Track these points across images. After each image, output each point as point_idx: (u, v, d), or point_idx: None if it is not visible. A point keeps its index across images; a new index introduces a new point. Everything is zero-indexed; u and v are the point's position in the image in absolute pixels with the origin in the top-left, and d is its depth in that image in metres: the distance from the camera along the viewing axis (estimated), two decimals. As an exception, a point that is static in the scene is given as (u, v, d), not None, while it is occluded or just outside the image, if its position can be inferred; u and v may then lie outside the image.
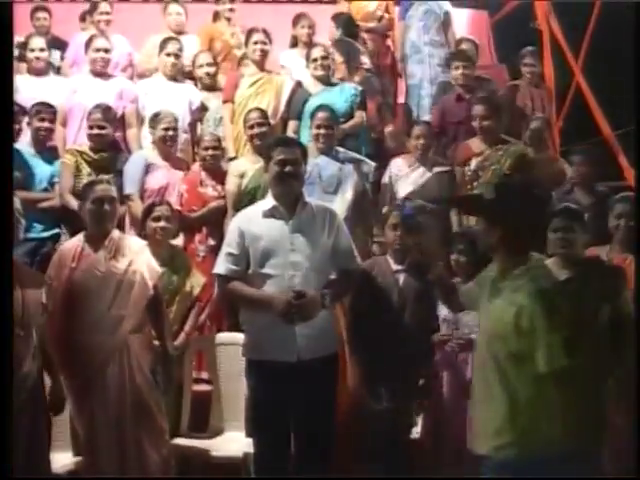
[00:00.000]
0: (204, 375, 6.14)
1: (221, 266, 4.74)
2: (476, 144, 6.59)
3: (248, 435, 5.16)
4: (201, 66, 7.62)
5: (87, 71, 7.36)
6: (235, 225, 4.82)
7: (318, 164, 6.36)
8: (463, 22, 9.71)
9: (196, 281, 5.84)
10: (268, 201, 4.80)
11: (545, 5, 9.51)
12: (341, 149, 6.66)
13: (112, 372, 4.86)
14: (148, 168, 6.61)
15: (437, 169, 6.74)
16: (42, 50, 7.45)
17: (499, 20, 10.47)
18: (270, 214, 4.72)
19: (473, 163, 6.51)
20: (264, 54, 7.47)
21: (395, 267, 5.25)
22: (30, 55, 7.43)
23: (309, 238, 4.68)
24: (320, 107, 6.71)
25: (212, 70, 7.64)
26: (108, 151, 6.67)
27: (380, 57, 8.39)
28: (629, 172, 8.11)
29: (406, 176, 6.75)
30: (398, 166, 6.83)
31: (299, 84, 7.49)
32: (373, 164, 6.67)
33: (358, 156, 6.69)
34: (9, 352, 4.13)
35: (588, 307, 4.31)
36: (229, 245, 4.75)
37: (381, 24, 8.63)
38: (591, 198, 6.25)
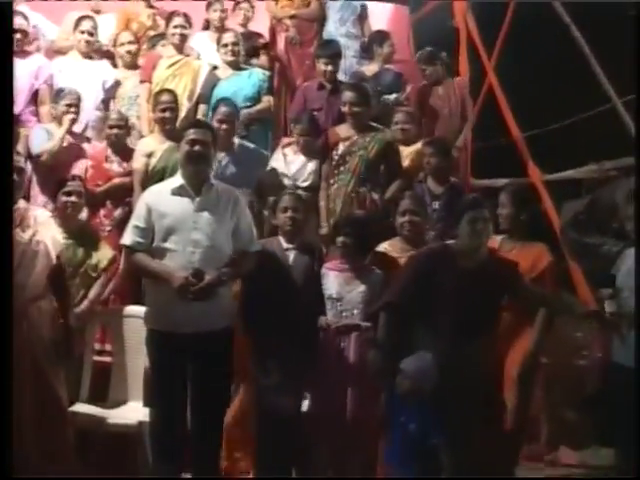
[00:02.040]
0: (107, 347, 6.19)
1: (128, 237, 4.95)
2: (344, 130, 6.64)
3: (146, 404, 5.30)
4: (122, 44, 7.68)
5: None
6: (143, 201, 5.01)
7: (220, 162, 6.54)
8: (383, 16, 9.82)
9: (103, 254, 5.93)
10: (177, 179, 4.99)
11: (463, 4, 9.67)
12: (237, 140, 6.85)
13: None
14: (50, 137, 6.67)
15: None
16: None
17: (419, 17, 10.60)
18: (177, 192, 4.91)
19: (340, 148, 6.57)
20: (183, 38, 7.61)
21: (286, 245, 5.40)
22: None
23: (212, 218, 4.88)
24: (222, 100, 6.90)
25: (133, 48, 7.71)
26: None
27: (304, 45, 8.32)
28: (534, 171, 8.39)
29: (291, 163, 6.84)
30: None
31: (215, 69, 7.61)
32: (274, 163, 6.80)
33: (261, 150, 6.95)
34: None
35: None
36: (137, 219, 4.94)
37: (308, 9, 8.46)
38: (442, 188, 6.36)
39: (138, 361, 5.50)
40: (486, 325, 4.85)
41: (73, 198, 5.81)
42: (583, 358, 6.77)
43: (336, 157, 6.57)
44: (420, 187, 6.39)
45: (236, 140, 6.83)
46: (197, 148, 4.89)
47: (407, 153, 6.83)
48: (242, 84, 7.35)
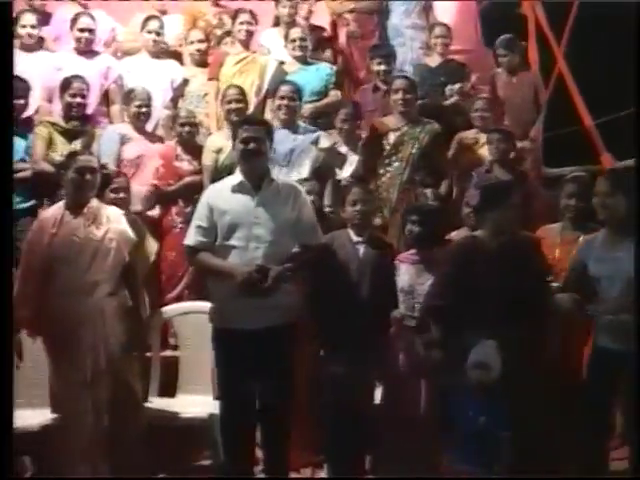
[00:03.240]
0: (171, 341, 6.33)
1: (191, 238, 5.03)
2: (392, 121, 6.70)
3: (216, 398, 5.32)
4: (192, 43, 7.75)
5: (71, 48, 7.52)
6: (205, 199, 5.08)
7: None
8: (450, 6, 9.74)
9: (150, 248, 6.06)
10: (236, 176, 5.04)
11: (531, -9, 9.56)
12: (302, 124, 6.85)
13: (87, 335, 5.06)
14: (123, 140, 6.78)
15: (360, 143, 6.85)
16: (33, 27, 7.51)
17: (486, 6, 10.50)
18: (237, 189, 4.96)
19: (391, 137, 6.62)
20: (249, 34, 7.71)
21: (356, 239, 5.39)
22: (21, 31, 7.48)
23: (273, 213, 4.92)
24: (284, 81, 6.95)
25: (203, 47, 7.77)
26: (80, 121, 6.82)
27: (365, 38, 8.37)
28: (606, 158, 8.25)
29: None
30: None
31: (282, 64, 7.66)
32: (332, 139, 6.80)
33: (319, 131, 6.83)
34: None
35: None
36: (199, 218, 5.02)
37: (367, 3, 8.48)
38: (510, 175, 6.34)
39: (205, 355, 5.52)
40: (533, 306, 4.80)
41: (121, 195, 5.93)
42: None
43: (387, 147, 6.62)
44: (485, 176, 6.36)
45: (301, 123, 6.86)
46: (251, 146, 4.92)
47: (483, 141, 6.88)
48: (309, 78, 7.40)
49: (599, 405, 4.88)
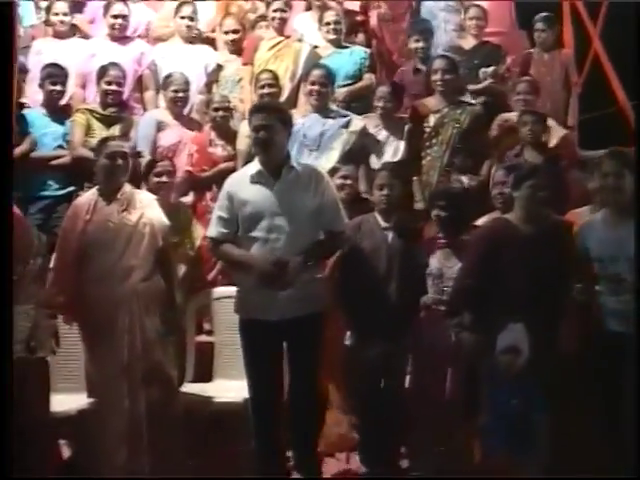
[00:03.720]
0: (206, 326, 6.36)
1: (212, 229, 4.96)
2: (432, 102, 6.66)
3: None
4: (227, 32, 7.72)
5: (105, 34, 7.57)
6: (225, 189, 4.98)
7: (304, 123, 6.49)
8: (484, -14, 9.68)
9: (196, 234, 6.07)
10: (254, 165, 4.92)
11: (566, -30, 9.45)
12: (334, 107, 6.79)
13: (122, 319, 5.10)
14: (160, 126, 6.80)
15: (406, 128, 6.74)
16: (65, 14, 7.58)
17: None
18: (256, 179, 4.83)
19: (432, 120, 6.57)
20: (283, 21, 7.67)
21: (384, 224, 5.37)
22: (54, 19, 7.58)
23: (293, 201, 4.78)
24: (316, 66, 6.89)
25: (237, 37, 7.72)
26: (117, 107, 6.86)
27: (396, 20, 8.23)
28: (642, 138, 8.15)
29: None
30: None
31: (315, 49, 7.62)
32: (363, 122, 6.71)
33: (350, 114, 6.75)
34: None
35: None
36: (220, 209, 4.93)
37: None
38: (542, 158, 6.28)
39: (230, 340, 5.54)
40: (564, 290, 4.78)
41: (164, 178, 5.95)
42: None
43: (427, 129, 6.58)
44: (515, 160, 6.30)
45: (333, 106, 6.81)
46: (261, 134, 4.77)
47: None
48: (343, 62, 7.36)
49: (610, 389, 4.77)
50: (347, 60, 7.43)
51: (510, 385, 4.65)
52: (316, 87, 6.59)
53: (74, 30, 7.77)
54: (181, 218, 6.02)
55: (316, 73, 6.66)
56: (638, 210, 4.67)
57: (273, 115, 4.83)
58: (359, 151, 6.56)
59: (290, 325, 4.74)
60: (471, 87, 7.27)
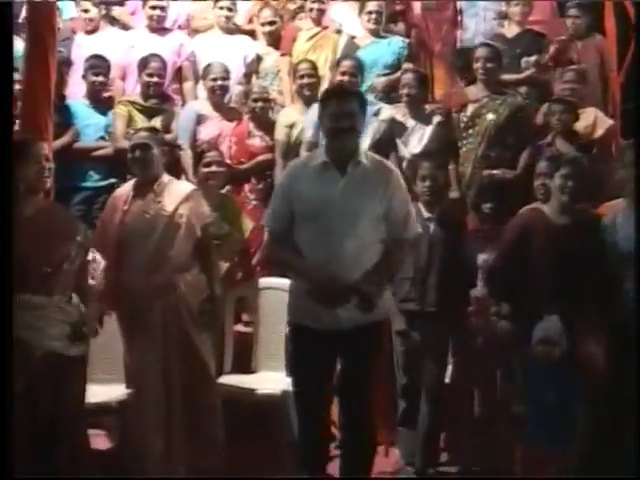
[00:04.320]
0: (245, 317, 6.35)
1: (268, 220, 4.57)
2: (473, 91, 6.57)
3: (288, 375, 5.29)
4: (264, 24, 7.67)
5: (144, 26, 7.54)
6: (283, 180, 4.59)
7: None
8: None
9: (245, 226, 6.08)
10: (319, 155, 4.41)
11: (606, -43, 9.32)
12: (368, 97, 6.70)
13: (159, 310, 5.13)
14: (200, 119, 6.77)
15: (435, 119, 6.59)
16: (86, 11, 7.52)
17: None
18: (320, 171, 4.30)
19: (469, 109, 6.49)
20: (321, 12, 7.61)
21: (427, 215, 5.31)
22: (83, 15, 7.54)
23: (358, 203, 4.24)
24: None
25: (274, 28, 7.67)
26: (158, 98, 6.87)
27: (440, 10, 8.10)
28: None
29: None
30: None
31: (353, 39, 7.56)
32: (393, 110, 6.62)
33: (379, 103, 6.69)
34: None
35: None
36: (275, 200, 4.51)
37: None
38: (574, 147, 6.19)
39: (278, 331, 5.51)
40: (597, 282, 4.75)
41: (214, 168, 5.95)
42: None
43: (465, 119, 6.50)
44: (549, 150, 6.21)
45: (369, 97, 6.61)
46: (342, 124, 4.23)
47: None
48: (382, 52, 7.29)
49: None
50: (385, 50, 7.33)
51: (547, 376, 4.60)
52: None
53: (112, 22, 7.76)
54: (229, 209, 6.00)
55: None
56: (638, 209, 4.65)
57: (355, 100, 4.36)
58: (389, 139, 6.49)
59: (347, 336, 4.25)
60: (512, 77, 7.16)
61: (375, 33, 7.44)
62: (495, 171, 6.31)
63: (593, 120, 6.72)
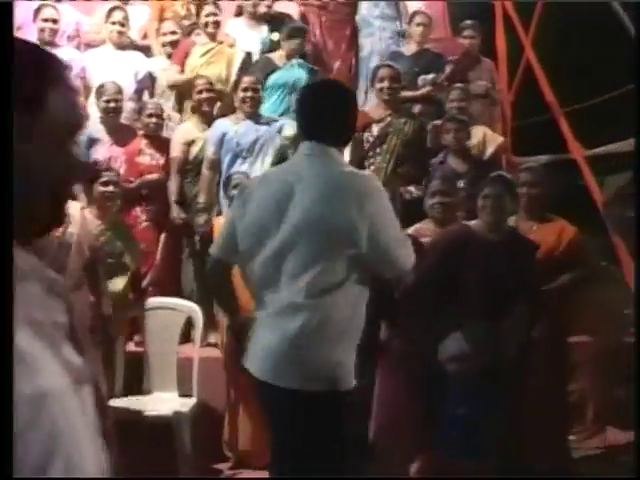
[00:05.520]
0: (136, 338, 6.20)
1: (212, 246, 3.61)
2: (375, 111, 6.64)
3: (181, 394, 5.35)
4: (165, 34, 7.67)
5: (34, 39, 7.33)
6: (240, 190, 3.73)
7: (237, 131, 6.43)
8: (419, -5, 9.67)
9: (136, 247, 5.99)
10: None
11: (498, -22, 9.50)
12: (265, 114, 6.76)
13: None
14: (91, 143, 6.63)
15: None
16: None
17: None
18: (264, 185, 3.41)
19: (375, 129, 6.54)
20: (216, 25, 7.58)
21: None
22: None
23: (323, 227, 3.16)
24: (246, 73, 6.93)
25: (175, 38, 7.66)
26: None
27: (339, 27, 8.26)
28: (574, 145, 8.23)
29: None
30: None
31: (249, 55, 7.60)
32: (295, 129, 6.61)
33: (282, 119, 6.74)
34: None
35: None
36: (224, 223, 3.82)
37: None
38: (466, 165, 6.30)
39: (170, 351, 5.49)
40: (521, 300, 4.76)
41: (110, 188, 5.83)
42: (631, 336, 6.65)
43: (371, 139, 6.52)
44: (442, 168, 6.32)
45: (264, 113, 6.80)
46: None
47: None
48: (299, 74, 7.32)
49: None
50: (303, 73, 7.35)
51: (459, 393, 4.62)
52: (249, 94, 6.51)
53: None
54: (121, 228, 5.92)
55: (247, 80, 6.61)
56: (638, 210, 4.73)
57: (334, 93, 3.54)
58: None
59: (299, 398, 3.19)
60: (409, 94, 7.27)
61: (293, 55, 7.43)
62: (411, 187, 6.38)
63: (482, 137, 6.86)
